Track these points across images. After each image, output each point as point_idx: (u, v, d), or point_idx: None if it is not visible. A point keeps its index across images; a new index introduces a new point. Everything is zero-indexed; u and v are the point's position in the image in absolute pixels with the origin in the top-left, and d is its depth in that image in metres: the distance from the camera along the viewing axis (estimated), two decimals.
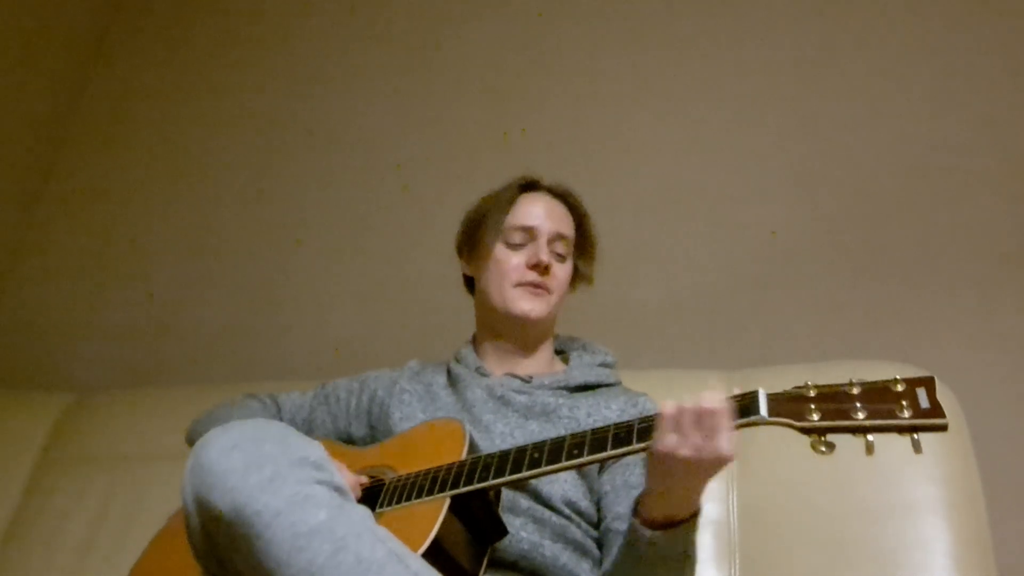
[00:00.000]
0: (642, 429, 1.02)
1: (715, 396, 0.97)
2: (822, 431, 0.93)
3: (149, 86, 2.62)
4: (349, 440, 1.43)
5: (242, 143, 2.46)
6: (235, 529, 0.88)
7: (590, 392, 1.38)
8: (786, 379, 1.53)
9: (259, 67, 2.52)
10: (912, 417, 0.89)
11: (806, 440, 0.94)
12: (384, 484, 1.16)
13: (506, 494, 1.17)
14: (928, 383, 0.92)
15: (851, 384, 0.94)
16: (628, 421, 1.05)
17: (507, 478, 1.06)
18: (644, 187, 2.08)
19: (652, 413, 1.32)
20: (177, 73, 2.60)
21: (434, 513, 1.04)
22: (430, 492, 1.08)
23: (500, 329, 1.43)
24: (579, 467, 1.12)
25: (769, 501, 1.46)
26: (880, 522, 1.42)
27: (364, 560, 0.85)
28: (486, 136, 2.23)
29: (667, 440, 0.97)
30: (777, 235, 1.95)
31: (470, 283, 1.51)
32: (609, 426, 1.05)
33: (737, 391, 0.99)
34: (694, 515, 1.05)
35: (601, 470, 1.28)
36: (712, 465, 0.97)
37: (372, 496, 1.13)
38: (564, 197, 1.49)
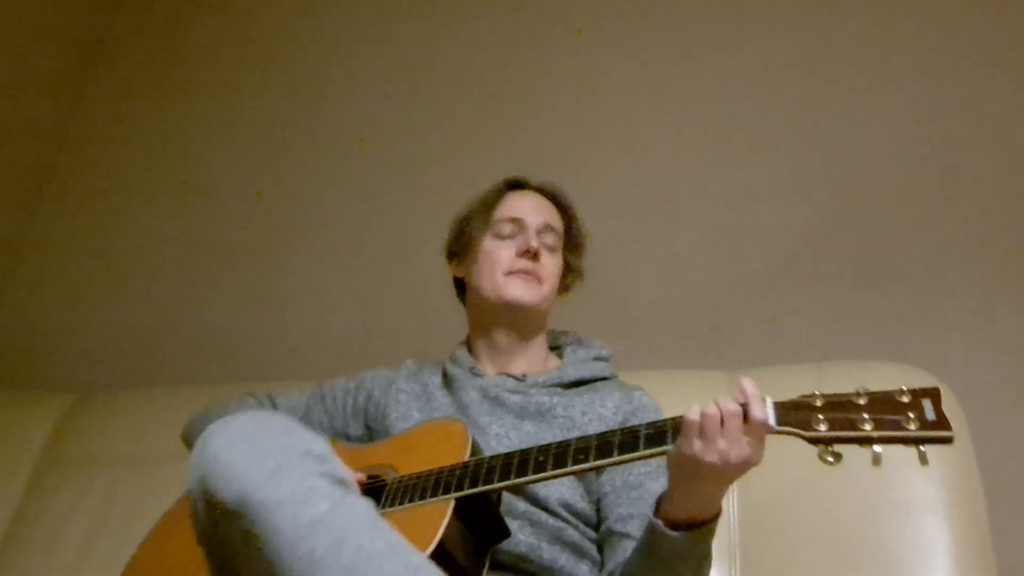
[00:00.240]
0: (649, 435, 1.02)
1: (736, 401, 0.98)
2: (829, 441, 0.93)
3: (149, 87, 2.62)
4: (346, 440, 1.43)
5: (242, 143, 2.46)
6: (238, 518, 0.88)
7: (585, 388, 1.38)
8: (786, 379, 1.55)
9: (259, 68, 2.52)
10: (918, 429, 0.90)
11: (812, 447, 0.94)
12: (386, 484, 1.16)
13: (504, 497, 1.17)
14: (934, 394, 0.92)
15: (858, 394, 0.95)
16: (635, 426, 1.05)
17: (512, 481, 1.06)
18: (644, 187, 2.08)
19: (648, 407, 1.35)
20: (177, 74, 2.60)
21: (439, 515, 1.04)
22: (434, 494, 1.08)
23: (493, 324, 1.43)
24: (584, 472, 1.13)
25: (770, 500, 1.47)
26: (880, 522, 1.42)
27: (364, 552, 0.86)
28: (486, 136, 2.23)
29: (693, 445, 0.98)
30: (778, 235, 1.95)
31: (460, 287, 1.51)
32: (616, 431, 1.05)
33: (740, 399, 0.99)
34: (716, 515, 1.06)
35: (600, 472, 1.28)
36: (738, 469, 0.98)
37: (374, 496, 1.13)
38: (551, 194, 1.51)
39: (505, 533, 1.13)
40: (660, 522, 1.05)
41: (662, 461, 1.06)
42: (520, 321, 1.42)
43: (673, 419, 1.02)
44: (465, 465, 1.11)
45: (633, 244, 2.02)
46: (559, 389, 1.37)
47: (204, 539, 0.95)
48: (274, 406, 1.47)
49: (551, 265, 1.43)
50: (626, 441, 1.03)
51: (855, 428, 0.92)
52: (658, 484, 1.22)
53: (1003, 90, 1.88)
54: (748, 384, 0.99)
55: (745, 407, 0.97)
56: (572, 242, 1.49)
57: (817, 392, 0.97)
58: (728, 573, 1.45)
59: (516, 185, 1.51)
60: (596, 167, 2.12)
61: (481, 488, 1.07)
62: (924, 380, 1.45)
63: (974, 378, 1.67)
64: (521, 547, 1.18)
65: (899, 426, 0.91)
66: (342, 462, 0.97)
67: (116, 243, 2.47)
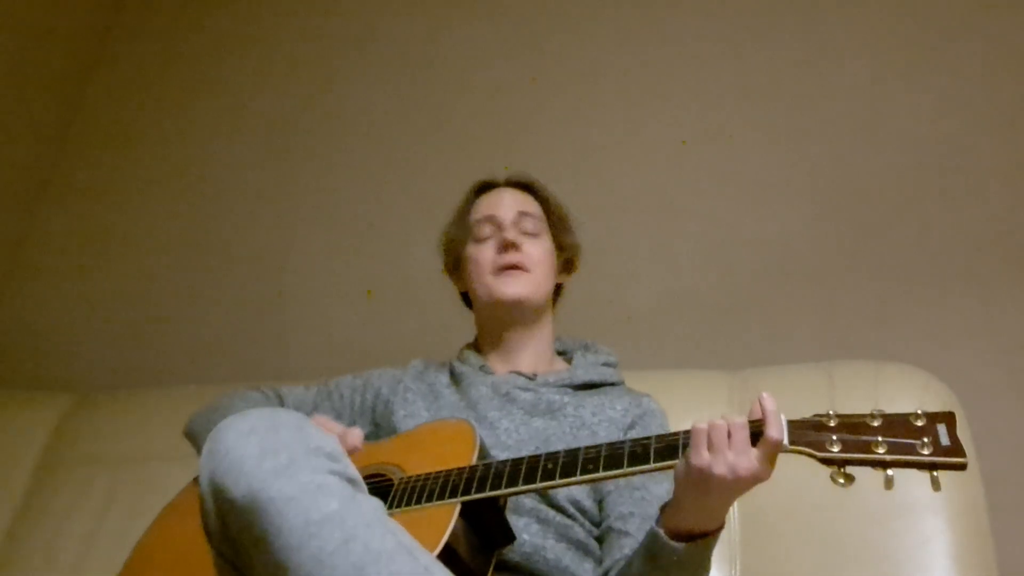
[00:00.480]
0: (659, 449, 1.02)
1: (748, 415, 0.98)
2: (842, 463, 0.93)
3: (150, 86, 2.61)
4: None
5: (242, 143, 2.46)
6: (248, 514, 0.88)
7: (594, 391, 1.39)
8: (786, 379, 1.56)
9: (259, 67, 2.52)
10: (932, 454, 0.89)
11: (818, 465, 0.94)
12: (393, 484, 1.16)
13: None
14: (949, 419, 0.92)
15: (872, 415, 0.94)
16: (645, 438, 1.05)
17: (520, 488, 1.06)
18: (645, 186, 2.08)
19: (656, 413, 1.35)
20: (178, 73, 2.60)
21: (445, 518, 1.04)
22: (441, 496, 1.08)
23: (498, 325, 1.44)
24: (592, 482, 1.13)
25: (770, 501, 1.46)
26: (880, 522, 1.42)
27: (373, 550, 0.86)
28: (487, 135, 2.23)
29: (702, 457, 0.97)
30: (778, 235, 1.95)
31: (466, 299, 1.52)
32: (624, 442, 1.05)
33: (758, 413, 0.98)
34: (720, 528, 1.05)
35: None
36: (747, 483, 0.98)
37: (381, 496, 1.13)
38: (520, 183, 1.51)
39: (511, 538, 1.12)
40: (662, 531, 1.05)
41: None
42: (524, 315, 1.42)
43: (684, 432, 1.02)
44: (474, 468, 1.10)
45: (633, 244, 2.03)
46: (569, 390, 1.37)
47: (214, 536, 0.95)
48: (280, 399, 1.47)
49: (537, 251, 1.43)
50: (636, 453, 1.03)
51: (868, 451, 0.91)
52: (661, 488, 1.22)
53: (1003, 90, 1.88)
54: (768, 401, 0.97)
55: (761, 424, 0.96)
56: (554, 220, 1.48)
57: (831, 412, 0.96)
58: (729, 573, 1.45)
59: (485, 187, 1.52)
60: (596, 167, 2.12)
61: (489, 493, 1.06)
62: (931, 383, 1.48)
63: (974, 378, 1.67)
64: (526, 547, 1.18)
65: (913, 450, 0.90)
66: (350, 460, 0.97)
67: (116, 243, 2.46)
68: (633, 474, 1.04)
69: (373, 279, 2.22)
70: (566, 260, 1.48)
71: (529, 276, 1.40)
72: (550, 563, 1.19)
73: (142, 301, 2.38)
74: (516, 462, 1.09)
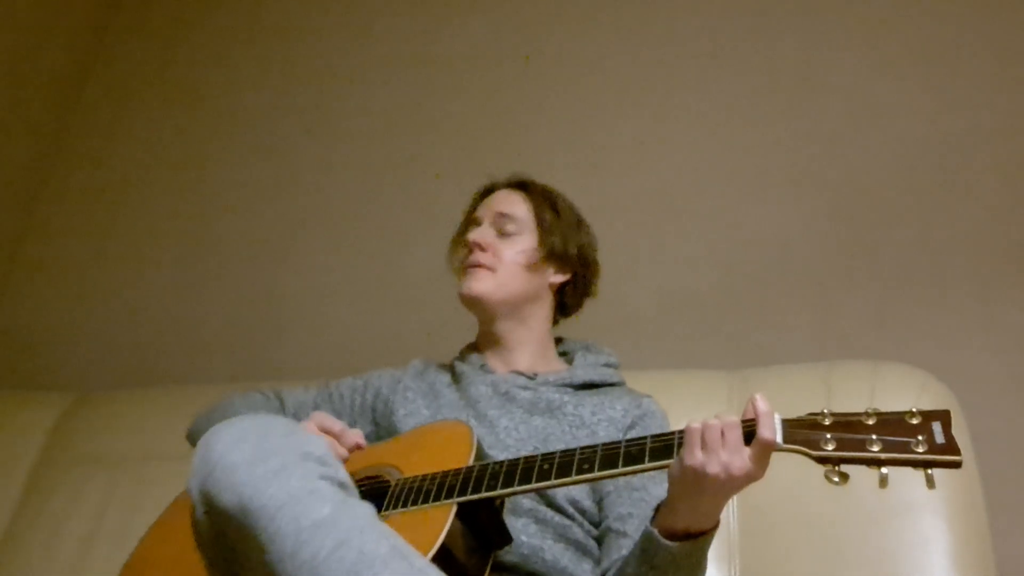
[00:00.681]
0: (655, 449, 1.02)
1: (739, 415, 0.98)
2: (836, 461, 0.93)
3: (149, 86, 2.62)
4: None
5: (241, 143, 2.46)
6: (240, 521, 0.88)
7: (594, 391, 1.39)
8: (787, 379, 1.56)
9: (257, 67, 2.52)
10: (926, 452, 0.89)
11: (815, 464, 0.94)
12: (389, 485, 1.16)
13: None
14: (944, 417, 0.92)
15: (867, 414, 0.94)
16: (640, 438, 1.05)
17: (515, 488, 1.06)
18: (643, 187, 2.08)
19: (656, 414, 1.35)
20: (176, 73, 2.60)
21: (441, 519, 1.04)
22: (437, 497, 1.08)
23: (485, 323, 1.45)
24: (588, 482, 1.13)
25: (769, 501, 1.46)
26: (880, 522, 1.42)
27: (367, 555, 0.85)
28: (487, 135, 2.23)
29: (696, 456, 0.98)
30: (778, 235, 1.95)
31: None
32: (620, 442, 1.05)
33: (751, 412, 0.98)
34: (715, 527, 1.05)
35: None
36: (741, 482, 0.98)
37: (378, 497, 1.13)
38: (515, 183, 1.51)
39: (508, 539, 1.12)
40: (656, 531, 1.05)
41: None
42: (482, 313, 1.43)
43: (678, 432, 1.02)
44: (470, 469, 1.10)
45: (633, 244, 2.02)
46: (570, 389, 1.38)
47: (204, 543, 0.95)
48: (280, 401, 1.47)
49: (508, 251, 1.42)
50: (631, 453, 1.03)
51: (863, 449, 0.92)
52: (660, 488, 1.21)
53: (1003, 90, 1.88)
54: (761, 401, 0.98)
55: (754, 424, 0.97)
56: (542, 220, 1.46)
57: (826, 411, 0.96)
58: (728, 574, 1.45)
59: (486, 190, 1.53)
60: (596, 167, 2.12)
61: (485, 494, 1.06)
62: (929, 383, 1.48)
63: (974, 378, 1.67)
64: (524, 548, 1.18)
65: (907, 449, 0.90)
66: (342, 464, 0.97)
67: (116, 243, 2.47)
68: (628, 474, 1.04)
69: (373, 279, 2.22)
70: (558, 259, 1.45)
71: (490, 275, 1.40)
72: (548, 564, 1.19)
73: (140, 301, 2.38)
74: (512, 463, 1.09)
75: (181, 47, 2.62)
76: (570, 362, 1.47)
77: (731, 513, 1.49)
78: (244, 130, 2.47)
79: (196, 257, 2.39)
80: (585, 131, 2.17)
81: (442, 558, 1.00)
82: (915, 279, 1.84)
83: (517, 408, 1.33)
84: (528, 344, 1.44)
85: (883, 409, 0.94)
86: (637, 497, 1.24)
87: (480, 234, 1.43)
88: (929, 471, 0.90)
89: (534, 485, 1.06)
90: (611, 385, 1.41)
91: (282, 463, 0.90)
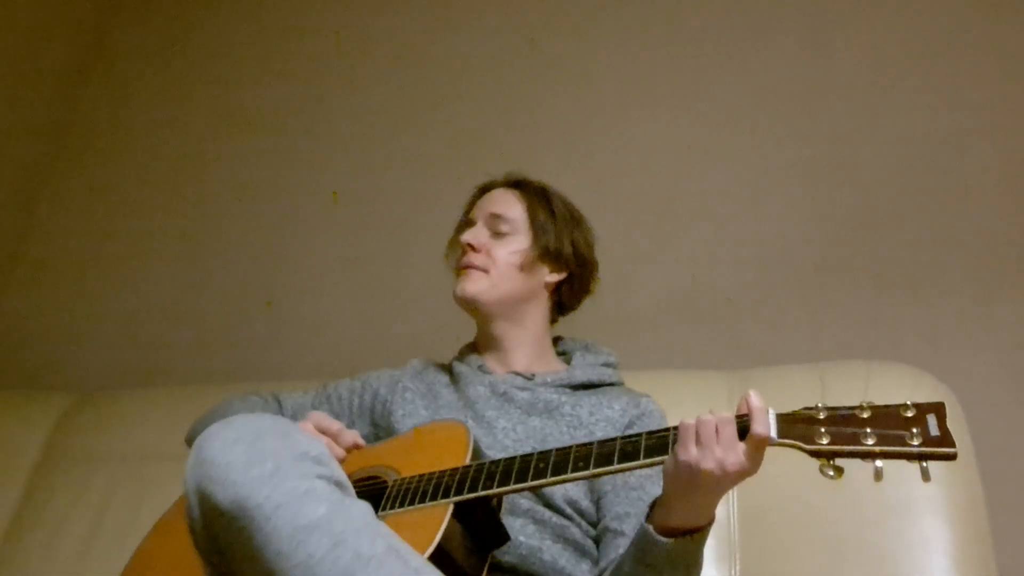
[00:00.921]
0: (649, 445, 1.02)
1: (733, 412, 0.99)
2: (831, 455, 0.93)
3: (149, 86, 2.62)
4: None
5: (242, 142, 2.46)
6: (236, 522, 0.88)
7: (593, 391, 1.39)
8: (786, 379, 1.56)
9: (258, 66, 2.52)
10: (921, 445, 0.89)
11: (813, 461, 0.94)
12: (387, 486, 1.16)
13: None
14: (938, 409, 0.91)
15: (861, 407, 0.94)
16: (635, 435, 1.05)
17: (511, 487, 1.06)
18: (644, 187, 2.08)
19: (654, 414, 1.35)
20: (177, 73, 2.60)
21: (437, 519, 1.04)
22: (433, 497, 1.08)
23: (481, 323, 1.45)
24: (584, 479, 1.13)
25: (769, 501, 1.46)
26: (880, 522, 1.42)
27: (363, 555, 0.86)
28: (487, 135, 2.23)
29: (690, 452, 0.98)
30: (777, 235, 1.95)
31: None
32: (615, 439, 1.05)
33: (745, 408, 0.98)
34: (709, 523, 1.05)
35: None
36: (735, 478, 0.98)
37: (375, 498, 1.13)
38: (511, 182, 1.51)
39: (505, 538, 1.12)
40: (651, 528, 1.05)
41: None
42: (483, 313, 1.42)
43: (672, 428, 1.02)
44: (466, 469, 1.10)
45: (633, 244, 2.02)
46: (567, 389, 1.37)
47: (202, 545, 0.95)
48: (279, 404, 1.47)
49: (501, 252, 1.42)
50: (626, 450, 1.03)
51: (857, 442, 0.91)
52: (658, 488, 1.20)
53: (1003, 90, 1.88)
54: (755, 397, 0.98)
55: (748, 419, 0.97)
56: (536, 219, 1.44)
57: (820, 404, 0.96)
58: (728, 573, 1.45)
59: (483, 189, 1.52)
60: (596, 167, 2.12)
61: (481, 493, 1.06)
62: (927, 382, 1.48)
63: (974, 378, 1.67)
64: (522, 549, 1.18)
65: (902, 441, 0.90)
66: (338, 464, 0.97)
67: (116, 243, 2.47)
68: (623, 471, 1.04)
69: (372, 279, 2.22)
70: (552, 258, 1.44)
71: (484, 276, 1.40)
72: (546, 564, 1.19)
73: (140, 301, 2.39)
74: (508, 461, 1.09)
75: (181, 47, 2.62)
76: (568, 362, 1.46)
77: (731, 513, 1.49)
78: (244, 129, 2.47)
79: (196, 257, 2.39)
80: (585, 131, 2.17)
81: (439, 558, 1.00)
82: (914, 279, 1.84)
83: (515, 409, 1.33)
84: (525, 344, 1.43)
85: (878, 403, 0.94)
86: (635, 496, 1.24)
87: (473, 235, 1.42)
88: (924, 464, 0.89)
89: (530, 483, 1.06)
90: (609, 385, 1.41)
91: (278, 464, 0.90)
